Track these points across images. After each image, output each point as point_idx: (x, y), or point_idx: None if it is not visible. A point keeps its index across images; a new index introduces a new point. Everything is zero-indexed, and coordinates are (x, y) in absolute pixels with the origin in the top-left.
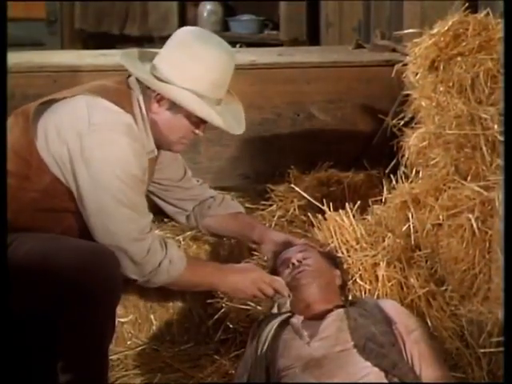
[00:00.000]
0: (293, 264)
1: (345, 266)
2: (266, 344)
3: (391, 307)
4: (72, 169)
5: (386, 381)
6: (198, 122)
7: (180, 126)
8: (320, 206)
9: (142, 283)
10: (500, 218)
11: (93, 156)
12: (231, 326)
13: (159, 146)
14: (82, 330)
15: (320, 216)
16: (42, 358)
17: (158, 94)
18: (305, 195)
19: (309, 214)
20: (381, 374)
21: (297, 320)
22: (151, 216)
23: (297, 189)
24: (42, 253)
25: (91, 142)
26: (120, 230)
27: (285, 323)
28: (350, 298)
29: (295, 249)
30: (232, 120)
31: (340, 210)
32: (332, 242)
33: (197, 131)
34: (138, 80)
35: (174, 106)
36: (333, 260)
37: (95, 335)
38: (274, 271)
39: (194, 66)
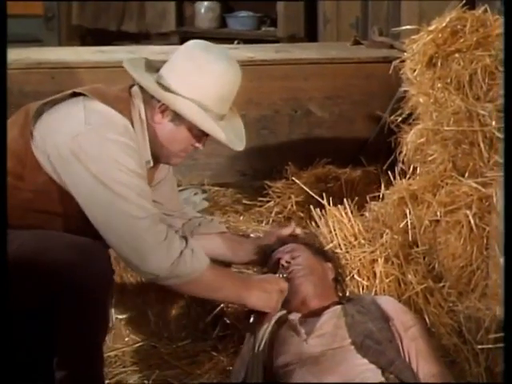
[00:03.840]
0: (282, 265)
1: (343, 262)
2: (264, 341)
3: (388, 303)
4: (72, 169)
5: (382, 378)
6: (200, 135)
7: (181, 139)
8: (320, 200)
9: (164, 279)
10: (498, 215)
11: (91, 154)
12: (229, 322)
13: (157, 159)
14: (74, 326)
15: (319, 211)
16: (36, 354)
17: (163, 105)
18: (306, 189)
19: (311, 208)
20: (378, 371)
21: (294, 317)
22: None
23: (297, 182)
24: (34, 248)
25: (88, 141)
26: (133, 221)
27: (282, 320)
28: (347, 294)
29: (283, 249)
30: (234, 136)
31: (339, 206)
32: (331, 238)
33: (197, 145)
34: (141, 89)
35: (178, 118)
36: (323, 254)
37: (87, 331)
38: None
39: (201, 78)
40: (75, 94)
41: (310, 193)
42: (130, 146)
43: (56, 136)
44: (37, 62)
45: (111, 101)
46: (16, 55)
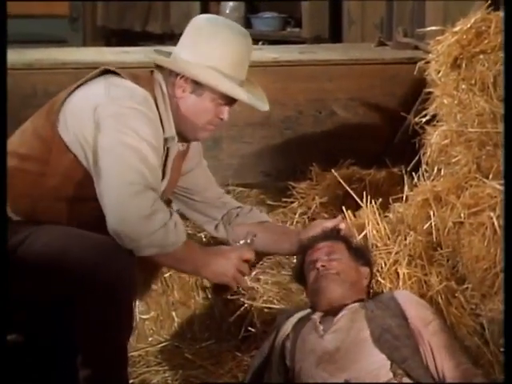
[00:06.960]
0: (317, 269)
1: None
2: (285, 336)
3: (407, 299)
4: (94, 140)
5: (390, 374)
6: (223, 104)
7: (205, 109)
8: (357, 199)
9: (143, 248)
10: None
11: (107, 123)
12: (252, 327)
13: (183, 136)
14: (99, 325)
15: (348, 212)
16: (60, 353)
17: (182, 77)
18: (343, 183)
19: (343, 208)
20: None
21: (317, 316)
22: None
23: (336, 175)
24: (59, 247)
25: (106, 110)
26: (125, 186)
27: (305, 319)
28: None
29: (322, 251)
30: (256, 98)
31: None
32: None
33: (222, 115)
34: (160, 70)
35: (199, 88)
36: (363, 258)
37: (112, 330)
38: (302, 267)
39: (212, 45)
40: (99, 75)
41: (348, 189)
42: (147, 115)
43: (79, 112)
44: (61, 63)
45: (133, 77)
46: (41, 55)
